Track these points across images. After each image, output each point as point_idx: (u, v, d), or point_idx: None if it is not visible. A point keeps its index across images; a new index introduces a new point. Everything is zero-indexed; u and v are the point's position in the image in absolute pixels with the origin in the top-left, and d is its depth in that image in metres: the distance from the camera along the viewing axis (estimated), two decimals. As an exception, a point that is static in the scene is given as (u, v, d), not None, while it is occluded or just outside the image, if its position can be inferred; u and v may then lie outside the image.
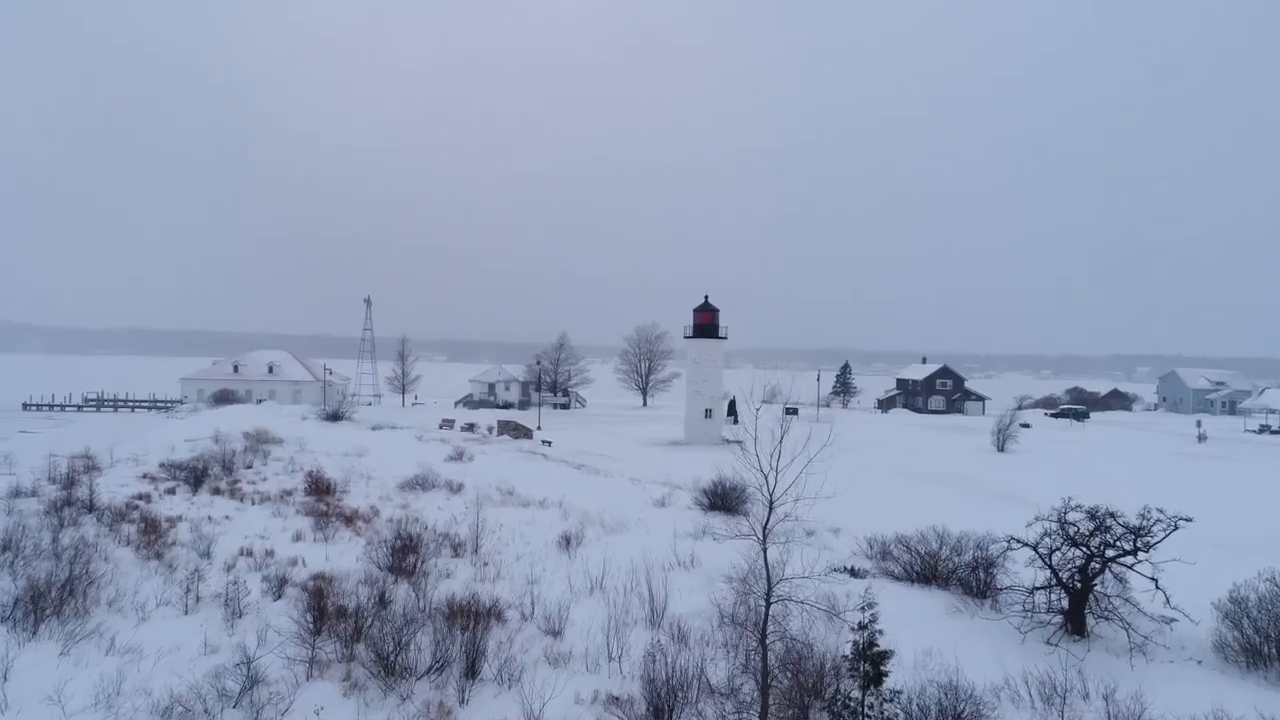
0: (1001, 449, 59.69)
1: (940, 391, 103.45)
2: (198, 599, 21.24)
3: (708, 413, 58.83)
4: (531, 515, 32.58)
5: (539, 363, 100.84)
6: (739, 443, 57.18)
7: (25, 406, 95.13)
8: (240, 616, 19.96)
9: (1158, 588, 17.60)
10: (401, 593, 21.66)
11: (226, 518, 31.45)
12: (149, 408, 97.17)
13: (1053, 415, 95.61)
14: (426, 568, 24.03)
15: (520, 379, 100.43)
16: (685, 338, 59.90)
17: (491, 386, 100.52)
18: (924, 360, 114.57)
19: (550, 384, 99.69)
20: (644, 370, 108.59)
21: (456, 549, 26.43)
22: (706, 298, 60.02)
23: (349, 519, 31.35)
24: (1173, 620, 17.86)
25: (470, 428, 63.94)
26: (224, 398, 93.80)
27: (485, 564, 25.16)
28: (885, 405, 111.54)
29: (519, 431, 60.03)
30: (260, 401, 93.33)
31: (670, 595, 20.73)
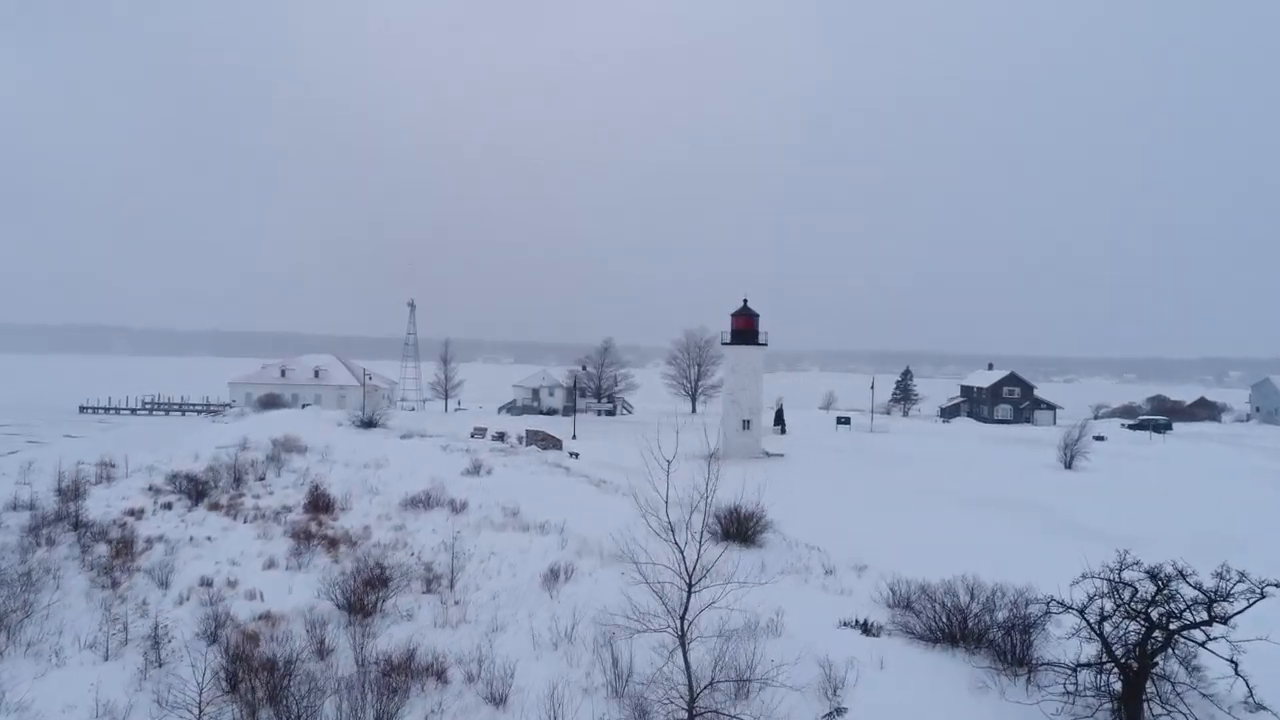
0: (1069, 466, 54.80)
1: (1007, 399, 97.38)
2: (125, 641, 19.33)
3: (745, 424, 55.53)
4: (529, 541, 30.09)
5: (584, 367, 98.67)
6: (780, 455, 53.53)
7: (82, 410, 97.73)
8: (160, 665, 17.93)
9: (1237, 673, 14.03)
10: (345, 641, 19.37)
11: (209, 539, 29.88)
12: (199, 411, 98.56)
13: (1131, 427, 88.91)
14: (387, 608, 21.74)
15: (565, 384, 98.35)
16: (722, 344, 56.76)
17: (535, 392, 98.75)
18: (990, 366, 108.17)
19: (594, 390, 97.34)
20: (693, 376, 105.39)
21: (430, 584, 24.07)
22: (745, 301, 56.72)
23: (333, 543, 29.40)
24: (1260, 710, 14.27)
25: (501, 437, 62.02)
26: (270, 402, 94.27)
27: (456, 602, 22.76)
28: (948, 413, 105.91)
29: (548, 442, 57.79)
30: (304, 406, 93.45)
31: (640, 655, 17.75)
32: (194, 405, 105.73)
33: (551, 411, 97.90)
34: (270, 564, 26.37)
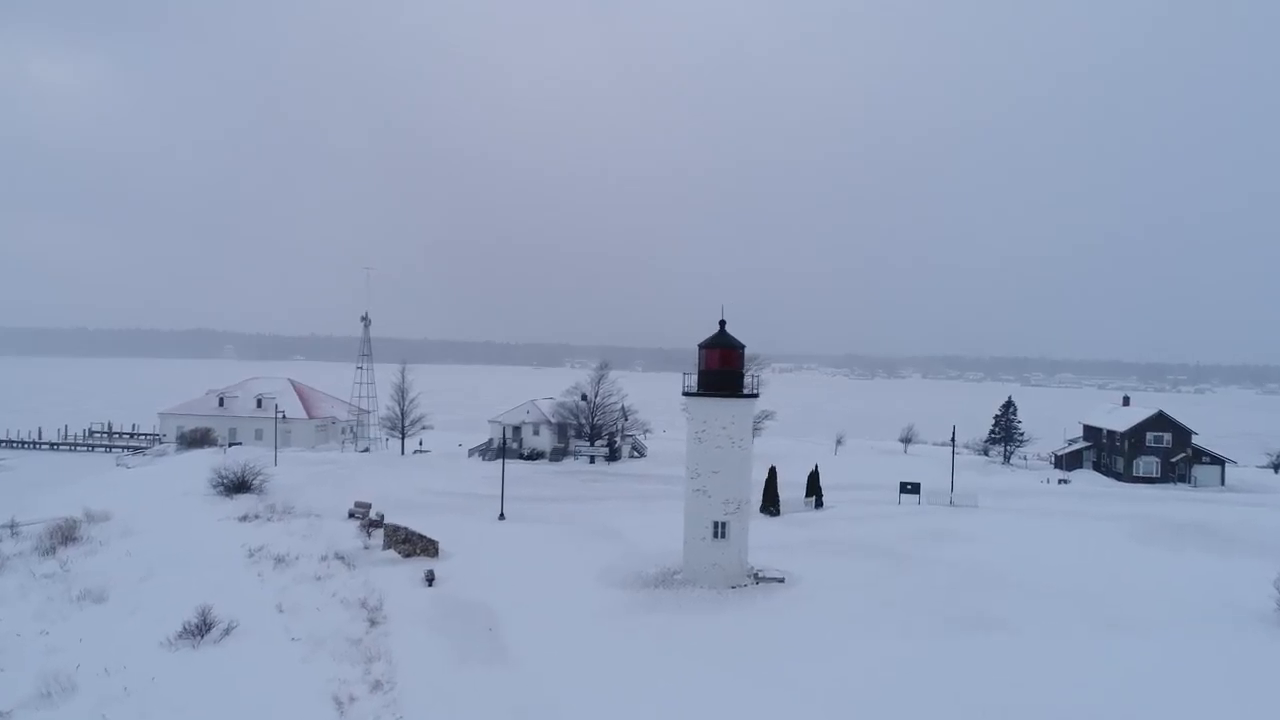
0: (1308, 622, 30.13)
1: (1153, 449, 70.55)
2: None
3: (719, 529, 33.31)
4: None
5: (583, 397, 77.66)
6: (779, 580, 30.03)
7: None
8: None
9: None
10: None
11: None
12: (125, 448, 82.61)
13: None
14: None
15: (554, 420, 77.68)
16: (684, 394, 34.66)
17: (517, 429, 78.32)
18: (1126, 401, 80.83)
19: (587, 429, 76.00)
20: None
21: None
22: (723, 324, 34.60)
23: None
24: None
25: (372, 526, 41.66)
26: (197, 439, 77.13)
27: None
28: (1066, 463, 79.43)
29: (411, 547, 36.94)
30: (232, 445, 75.96)
31: None
32: (144, 435, 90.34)
33: (536, 455, 77.04)
34: None
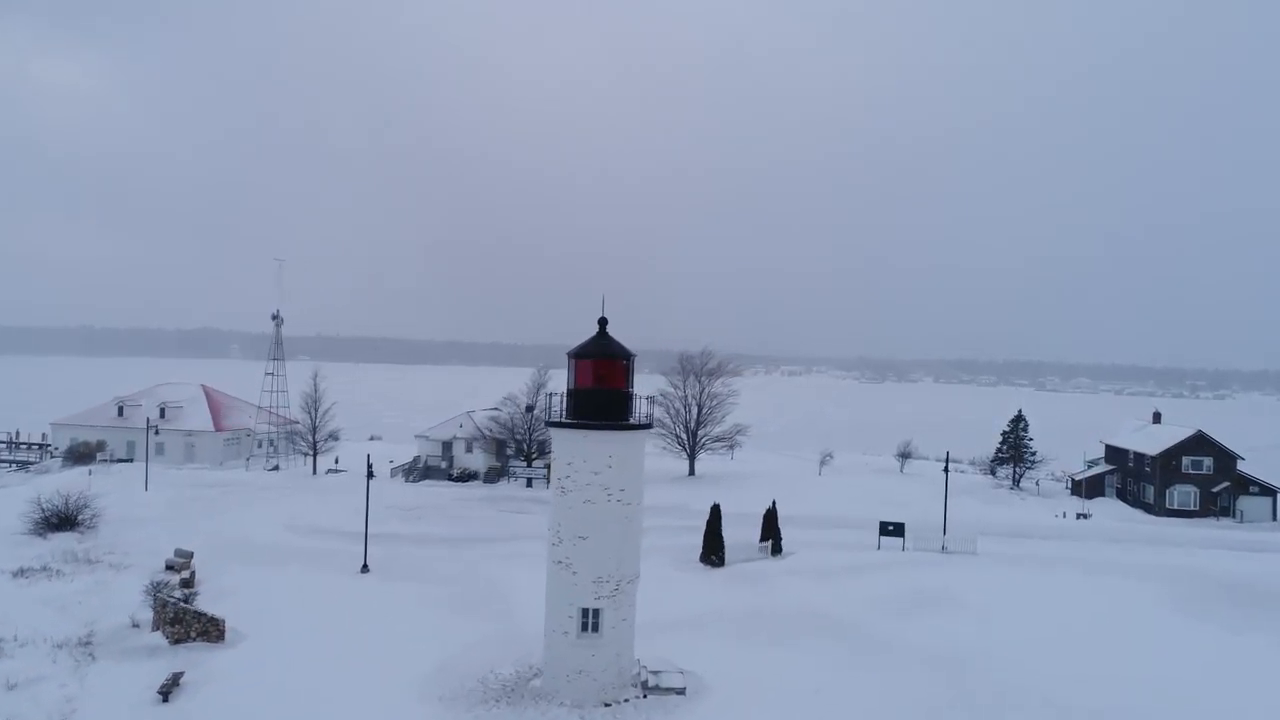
0: None
1: (1190, 476, 59.84)
2: None
3: (589, 619, 23.34)
4: None
5: (529, 408, 67.73)
6: (678, 691, 17.69)
7: None
8: None
9: None
10: None
11: None
12: (10, 463, 73.24)
13: None
14: None
15: (490, 434, 67.82)
16: (547, 424, 24.75)
17: (447, 446, 68.57)
18: (1156, 418, 69.79)
19: (524, 448, 66.07)
20: (692, 420, 72.94)
21: None
22: (603, 322, 24.61)
23: None
24: None
25: (183, 586, 31.74)
26: (84, 453, 67.71)
27: None
28: (1086, 489, 68.72)
29: (184, 629, 26.92)
30: (119, 462, 66.46)
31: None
32: (43, 447, 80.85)
33: (468, 476, 67.02)
34: None
